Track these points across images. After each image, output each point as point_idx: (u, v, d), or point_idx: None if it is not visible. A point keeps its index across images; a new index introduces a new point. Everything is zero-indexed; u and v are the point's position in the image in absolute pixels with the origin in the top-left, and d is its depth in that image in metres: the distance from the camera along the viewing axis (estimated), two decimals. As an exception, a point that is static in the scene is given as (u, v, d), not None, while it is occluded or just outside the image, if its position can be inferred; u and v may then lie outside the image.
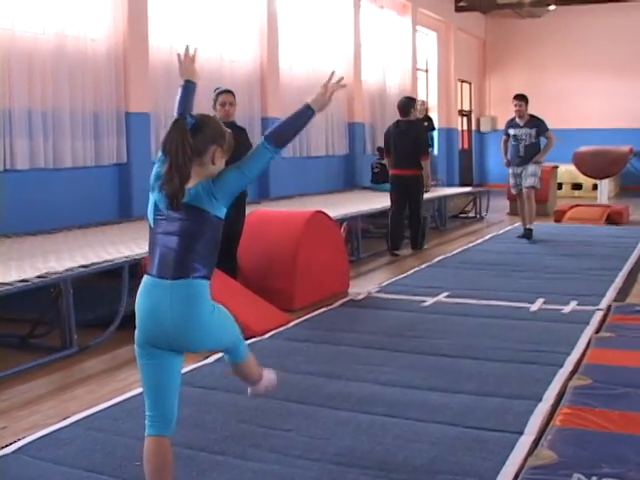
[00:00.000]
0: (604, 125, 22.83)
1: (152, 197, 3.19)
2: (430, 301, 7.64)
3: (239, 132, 7.44)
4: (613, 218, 14.39)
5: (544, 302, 7.50)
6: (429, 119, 16.45)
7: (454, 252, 10.91)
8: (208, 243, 3.14)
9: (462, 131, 24.03)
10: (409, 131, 11.04)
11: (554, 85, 23.45)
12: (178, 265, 3.10)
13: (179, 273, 3.09)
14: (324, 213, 8.15)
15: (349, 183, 16.07)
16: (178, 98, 3.40)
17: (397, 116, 11.38)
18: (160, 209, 3.14)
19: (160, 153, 3.24)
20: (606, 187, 16.87)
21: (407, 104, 11.33)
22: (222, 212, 3.15)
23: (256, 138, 12.58)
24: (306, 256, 7.58)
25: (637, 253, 10.62)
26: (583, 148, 17.25)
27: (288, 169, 13.76)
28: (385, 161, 11.84)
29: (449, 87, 22.36)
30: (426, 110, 16.84)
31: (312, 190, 14.20)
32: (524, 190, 11.79)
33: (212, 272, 3.22)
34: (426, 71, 21.59)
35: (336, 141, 15.75)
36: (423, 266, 9.78)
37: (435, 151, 19.45)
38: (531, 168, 11.68)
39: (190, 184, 3.10)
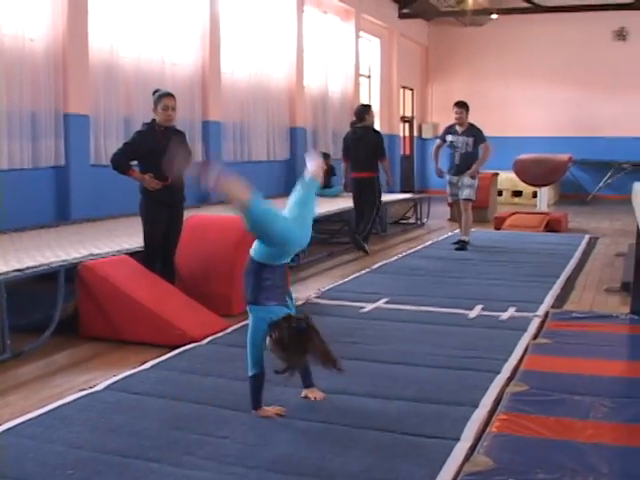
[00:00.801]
0: (544, 133, 23.17)
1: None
2: (369, 307, 7.67)
3: (179, 136, 7.40)
4: (552, 225, 14.58)
5: (482, 309, 7.57)
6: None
7: (394, 258, 10.97)
8: None
9: (404, 137, 24.19)
10: (365, 136, 11.61)
11: (495, 93, 23.73)
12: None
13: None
14: (264, 218, 8.12)
15: (290, 188, 15.95)
16: None
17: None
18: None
19: None
20: (546, 195, 17.10)
21: (361, 111, 11.91)
22: None
23: (196, 142, 12.57)
24: (245, 261, 7.54)
25: (575, 260, 10.78)
26: (523, 156, 17.46)
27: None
28: (342, 165, 12.14)
29: (391, 93, 22.49)
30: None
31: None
32: (460, 202, 11.90)
33: None
34: (369, 77, 21.69)
35: (277, 146, 15.76)
36: (363, 272, 9.81)
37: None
38: (467, 179, 11.73)
39: None
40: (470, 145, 11.67)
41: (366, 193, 11.61)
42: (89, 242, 7.88)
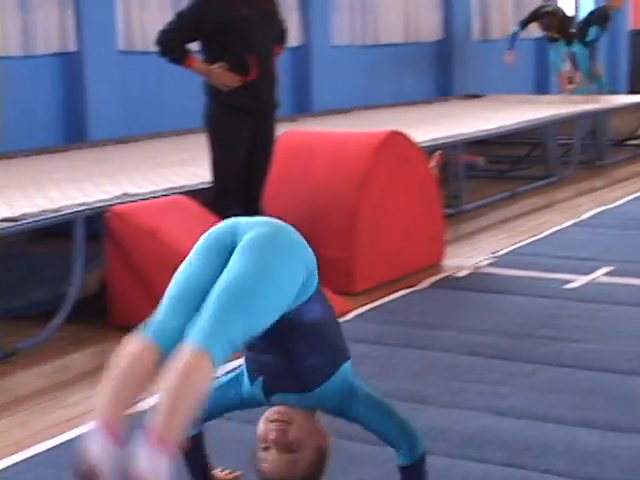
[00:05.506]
0: None
1: None
2: (580, 281, 7.61)
3: (268, 1, 7.37)
4: None
5: None
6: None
7: (618, 202, 10.88)
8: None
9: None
10: None
11: None
12: None
13: None
14: (404, 136, 8.08)
15: (444, 88, 15.92)
16: None
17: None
18: None
19: None
20: None
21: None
22: None
23: (293, 12, 12.53)
24: (375, 207, 7.52)
25: None
26: None
27: (341, 64, 13.61)
28: None
29: None
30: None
31: (382, 100, 14.08)
32: None
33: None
34: None
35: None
36: (566, 224, 9.71)
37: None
38: None
39: None
40: None
41: None
42: (120, 175, 7.97)
